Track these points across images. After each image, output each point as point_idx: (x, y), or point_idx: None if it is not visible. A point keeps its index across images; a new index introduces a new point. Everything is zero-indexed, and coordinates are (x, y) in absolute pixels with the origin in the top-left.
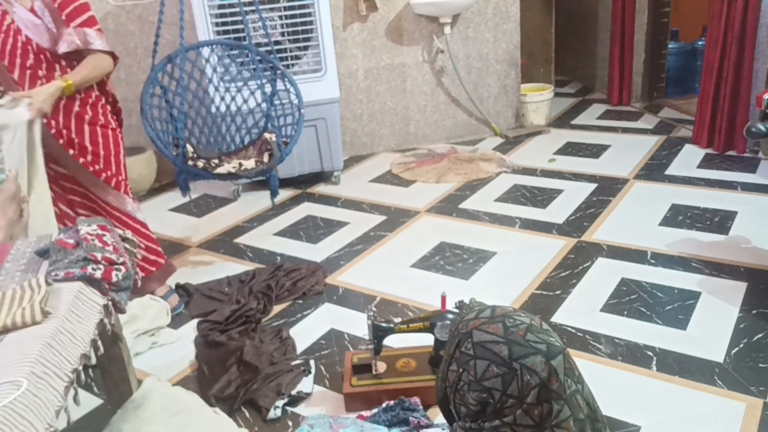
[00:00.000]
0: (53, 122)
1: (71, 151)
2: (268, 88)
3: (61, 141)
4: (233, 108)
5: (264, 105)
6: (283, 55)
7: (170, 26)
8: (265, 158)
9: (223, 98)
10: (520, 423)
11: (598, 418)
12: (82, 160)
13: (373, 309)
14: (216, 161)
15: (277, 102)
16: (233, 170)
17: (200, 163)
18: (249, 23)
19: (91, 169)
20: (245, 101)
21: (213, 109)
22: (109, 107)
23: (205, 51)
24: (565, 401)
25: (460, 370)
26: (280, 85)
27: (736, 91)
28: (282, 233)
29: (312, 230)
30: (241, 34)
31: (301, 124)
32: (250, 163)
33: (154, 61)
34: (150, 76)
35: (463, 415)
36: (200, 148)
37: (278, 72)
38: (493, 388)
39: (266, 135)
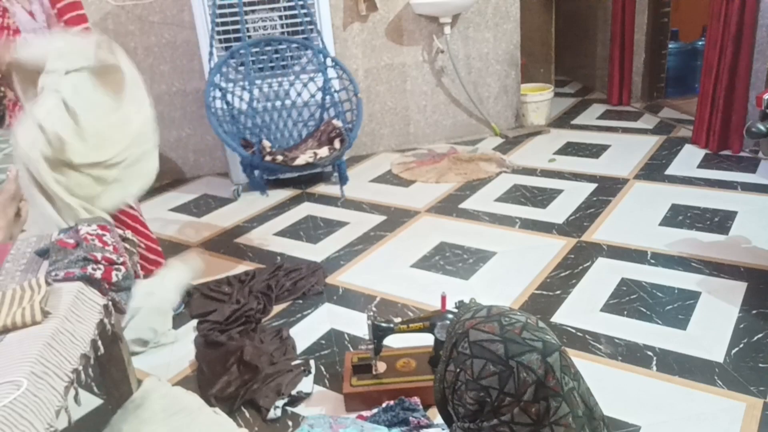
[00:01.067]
0: None
1: None
2: (320, 80)
3: None
4: (288, 102)
5: (318, 96)
6: (306, 52)
7: (171, 26)
8: (336, 145)
9: (276, 93)
10: (518, 421)
11: (594, 416)
12: None
13: (373, 309)
14: (285, 154)
15: (332, 91)
16: (311, 159)
17: (279, 157)
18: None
19: None
20: (299, 94)
21: (269, 106)
22: None
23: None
24: (562, 398)
25: (458, 369)
26: (332, 73)
27: (731, 90)
28: (282, 233)
29: (312, 230)
30: (240, 35)
31: (360, 108)
32: (323, 151)
33: (210, 64)
34: (208, 80)
35: (461, 416)
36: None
37: (330, 61)
38: (491, 386)
39: (333, 122)
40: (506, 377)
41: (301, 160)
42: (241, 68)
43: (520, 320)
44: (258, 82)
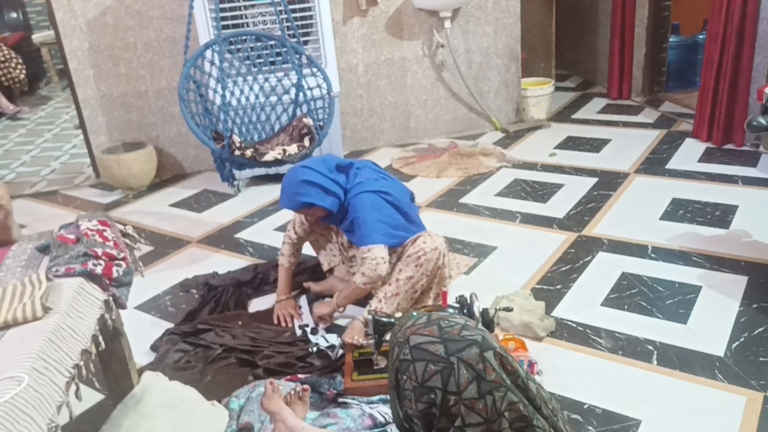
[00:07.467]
0: None
1: None
2: (295, 76)
3: None
4: (262, 98)
5: (292, 92)
6: (282, 49)
7: (170, 21)
8: (306, 143)
9: (252, 88)
10: (470, 422)
11: (545, 402)
12: None
13: None
14: (252, 150)
15: (306, 87)
16: (279, 156)
17: (248, 153)
18: (280, 15)
19: None
20: (273, 89)
21: (243, 100)
22: None
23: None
24: (507, 389)
25: (404, 378)
26: (307, 71)
27: (734, 84)
28: (283, 228)
29: None
30: (240, 29)
31: (332, 108)
32: (292, 149)
33: (186, 57)
34: (183, 72)
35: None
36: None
37: (305, 59)
38: (435, 387)
39: (304, 120)
40: (447, 374)
41: (270, 156)
42: (229, 60)
43: (459, 322)
44: (233, 73)
